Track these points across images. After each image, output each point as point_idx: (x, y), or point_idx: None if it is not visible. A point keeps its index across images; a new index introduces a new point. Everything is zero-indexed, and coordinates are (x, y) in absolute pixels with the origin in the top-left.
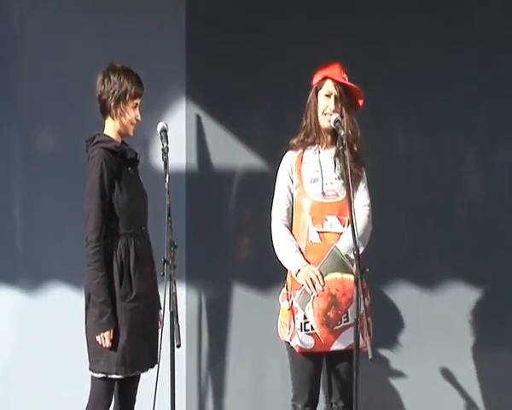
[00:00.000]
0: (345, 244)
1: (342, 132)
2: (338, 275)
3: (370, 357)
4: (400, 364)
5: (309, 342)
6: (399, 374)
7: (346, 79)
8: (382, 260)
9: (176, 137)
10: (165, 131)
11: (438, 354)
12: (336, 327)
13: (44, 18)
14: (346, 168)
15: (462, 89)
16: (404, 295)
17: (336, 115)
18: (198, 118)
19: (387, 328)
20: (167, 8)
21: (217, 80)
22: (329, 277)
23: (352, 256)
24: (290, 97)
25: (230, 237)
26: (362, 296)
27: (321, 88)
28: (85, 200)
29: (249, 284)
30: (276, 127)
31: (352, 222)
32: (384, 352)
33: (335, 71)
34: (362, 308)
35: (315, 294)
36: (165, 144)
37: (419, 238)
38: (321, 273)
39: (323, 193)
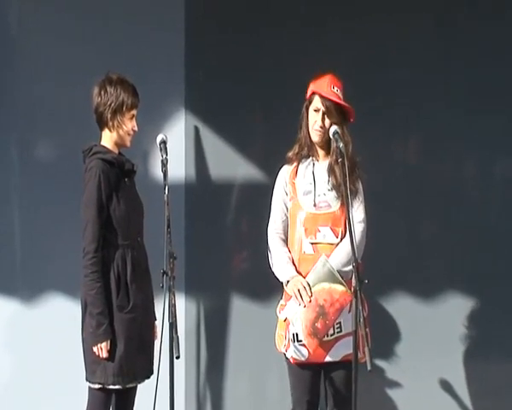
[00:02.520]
0: (337, 261)
1: (341, 144)
2: (326, 285)
3: (369, 369)
4: (398, 375)
5: (303, 354)
6: (397, 385)
7: (338, 91)
8: (380, 271)
9: (175, 149)
10: (164, 142)
11: (436, 364)
12: (326, 338)
13: (43, 25)
14: (345, 180)
15: (462, 96)
16: (401, 306)
17: (335, 127)
18: (197, 129)
19: (385, 339)
20: (166, 18)
21: (216, 92)
22: (317, 287)
23: (344, 269)
24: (289, 108)
25: (229, 248)
26: (360, 308)
27: (310, 103)
28: (82, 211)
29: (248, 295)
30: (274, 138)
31: (350, 235)
32: (381, 363)
33: (323, 85)
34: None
35: (302, 305)
36: (164, 156)
37: (417, 248)
38: (308, 284)
39: (315, 204)
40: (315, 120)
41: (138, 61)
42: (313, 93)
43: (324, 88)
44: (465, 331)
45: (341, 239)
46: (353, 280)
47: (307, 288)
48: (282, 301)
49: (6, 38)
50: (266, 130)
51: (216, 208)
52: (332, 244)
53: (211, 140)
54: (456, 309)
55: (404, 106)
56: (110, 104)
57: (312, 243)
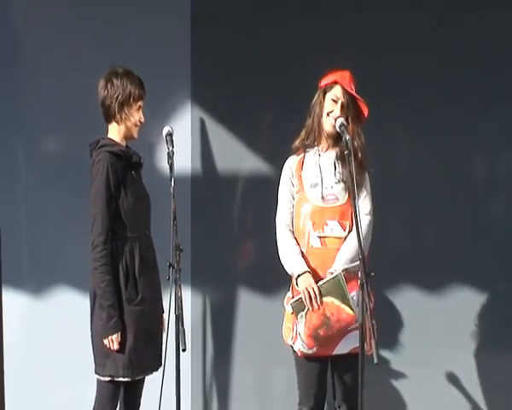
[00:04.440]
0: (345, 257)
1: (348, 137)
2: (336, 301)
3: (376, 362)
4: (404, 367)
5: (312, 349)
6: (403, 376)
7: (354, 89)
8: (385, 263)
9: (181, 141)
10: (170, 135)
11: (442, 356)
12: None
13: (48, 23)
14: (351, 174)
15: (467, 94)
16: (407, 298)
17: (342, 119)
18: (203, 122)
19: (391, 331)
20: (172, 12)
21: (222, 84)
22: (327, 299)
23: (353, 265)
24: (295, 101)
25: (235, 240)
26: (367, 300)
27: (329, 91)
28: (91, 204)
29: (254, 287)
30: (280, 131)
31: (356, 227)
32: (388, 355)
33: (346, 78)
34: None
35: (310, 308)
36: (170, 148)
37: (422, 241)
38: (320, 292)
39: (323, 197)
40: (332, 109)
41: (144, 54)
42: (335, 82)
43: (346, 81)
44: (471, 324)
45: (349, 232)
46: (359, 272)
47: (318, 297)
48: (289, 294)
49: (11, 38)
50: (272, 122)
51: (222, 201)
52: (340, 238)
53: (217, 132)
54: (461, 301)
55: (409, 103)
56: (117, 97)
57: (320, 237)
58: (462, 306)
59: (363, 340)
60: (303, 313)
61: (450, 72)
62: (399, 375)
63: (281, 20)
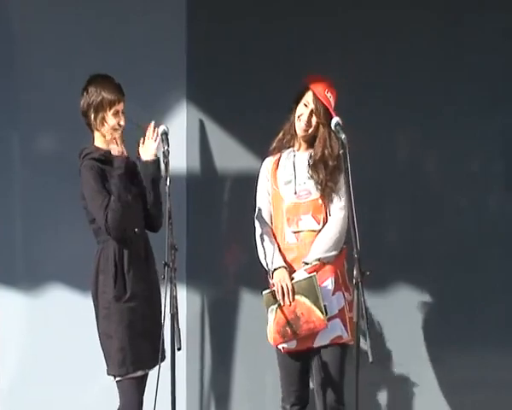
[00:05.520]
0: (319, 248)
1: (343, 136)
2: (307, 302)
3: (371, 360)
4: (400, 365)
5: (292, 342)
6: (396, 375)
7: (331, 98)
8: (376, 261)
9: (177, 140)
10: (165, 133)
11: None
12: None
13: (44, 20)
14: (347, 171)
15: (463, 96)
16: (402, 296)
17: (337, 119)
18: (199, 121)
19: (385, 329)
20: (168, 12)
21: (218, 83)
22: (300, 298)
23: (326, 255)
24: (291, 100)
25: (231, 239)
26: (362, 300)
27: (302, 96)
28: (89, 203)
29: (248, 286)
30: (276, 130)
31: (353, 228)
32: (382, 352)
33: (320, 87)
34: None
35: (281, 303)
36: (165, 147)
37: (418, 240)
38: (293, 289)
39: (296, 193)
40: (302, 113)
41: (140, 54)
42: (308, 89)
43: (320, 89)
44: (457, 321)
45: (323, 225)
46: (355, 271)
47: (291, 294)
48: (266, 292)
49: (7, 35)
50: (268, 121)
51: (217, 200)
52: (314, 231)
53: (213, 131)
54: (457, 301)
55: (403, 101)
56: (92, 103)
57: (295, 232)
58: (458, 305)
59: (358, 341)
60: (274, 308)
61: (449, 74)
62: (393, 373)
63: (279, 17)
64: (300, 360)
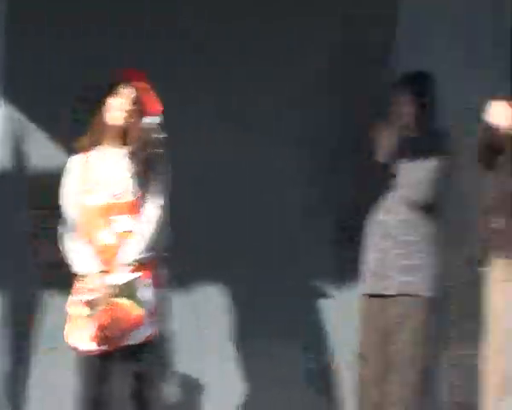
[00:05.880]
0: (134, 249)
1: (159, 134)
2: (127, 302)
3: None
4: None
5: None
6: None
7: (148, 92)
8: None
9: None
10: None
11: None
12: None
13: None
14: (162, 170)
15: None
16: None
17: (153, 116)
18: (15, 120)
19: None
20: None
21: (35, 81)
22: (120, 300)
23: (141, 257)
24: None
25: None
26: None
27: (115, 87)
28: None
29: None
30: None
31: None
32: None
33: (134, 80)
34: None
35: (101, 308)
36: None
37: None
38: (113, 293)
39: (111, 194)
40: (114, 105)
41: None
42: (121, 80)
43: (135, 82)
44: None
45: (139, 226)
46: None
47: (111, 297)
48: (73, 297)
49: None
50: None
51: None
52: (130, 232)
53: (29, 130)
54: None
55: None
56: None
57: (110, 234)
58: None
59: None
60: (92, 313)
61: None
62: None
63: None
64: (104, 362)
